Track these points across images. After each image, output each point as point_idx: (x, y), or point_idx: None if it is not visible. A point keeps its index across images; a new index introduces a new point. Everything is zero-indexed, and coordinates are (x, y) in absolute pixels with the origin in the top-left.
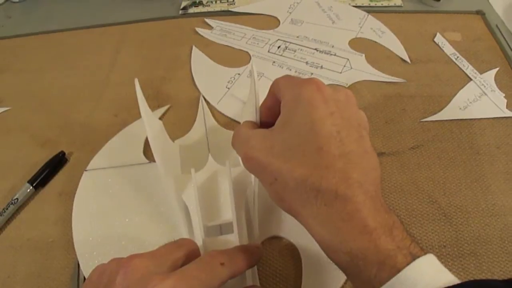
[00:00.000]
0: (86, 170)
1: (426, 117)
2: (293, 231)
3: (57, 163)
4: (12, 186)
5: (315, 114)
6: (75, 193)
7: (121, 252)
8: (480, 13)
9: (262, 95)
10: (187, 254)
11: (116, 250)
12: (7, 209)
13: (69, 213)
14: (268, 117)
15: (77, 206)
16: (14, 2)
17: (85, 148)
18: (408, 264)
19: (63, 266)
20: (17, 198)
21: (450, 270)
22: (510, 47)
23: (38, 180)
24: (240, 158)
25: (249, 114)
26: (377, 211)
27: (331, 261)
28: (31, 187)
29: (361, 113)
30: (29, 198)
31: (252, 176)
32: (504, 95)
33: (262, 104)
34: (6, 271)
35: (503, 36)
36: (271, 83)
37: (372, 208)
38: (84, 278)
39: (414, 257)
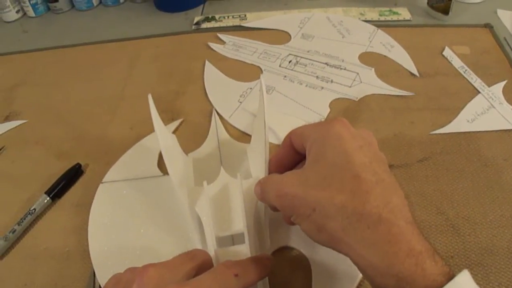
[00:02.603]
0: (102, 183)
1: (434, 130)
2: (303, 241)
3: (73, 175)
4: (30, 197)
5: (347, 146)
6: (91, 204)
7: (136, 262)
8: (488, 26)
9: (271, 112)
10: (199, 265)
11: (131, 260)
12: (24, 219)
13: (85, 223)
14: (277, 168)
15: (93, 217)
16: (31, 17)
17: (100, 160)
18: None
19: (79, 275)
20: (34, 209)
21: None
22: None
23: (55, 191)
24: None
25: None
26: (419, 235)
27: (340, 272)
28: (48, 198)
29: (380, 152)
30: (46, 208)
31: None
32: None
33: (272, 156)
34: (23, 279)
35: (511, 49)
36: (282, 97)
37: (414, 233)
38: (100, 287)
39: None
